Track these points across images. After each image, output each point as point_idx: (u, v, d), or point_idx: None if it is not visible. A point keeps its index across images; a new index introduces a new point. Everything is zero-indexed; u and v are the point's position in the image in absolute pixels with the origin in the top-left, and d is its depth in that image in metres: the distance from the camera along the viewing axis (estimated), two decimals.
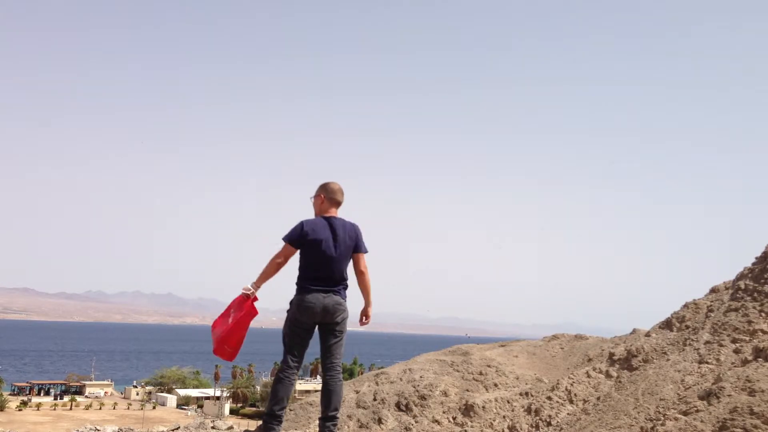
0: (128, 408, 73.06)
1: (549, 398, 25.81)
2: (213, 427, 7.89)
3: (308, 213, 5.66)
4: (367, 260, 5.54)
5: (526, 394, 27.48)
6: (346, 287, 5.50)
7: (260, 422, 5.47)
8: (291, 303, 5.47)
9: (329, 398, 5.35)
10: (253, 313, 5.49)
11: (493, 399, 27.65)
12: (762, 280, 21.40)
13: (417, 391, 30.07)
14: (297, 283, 5.45)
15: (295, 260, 5.46)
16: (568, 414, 24.18)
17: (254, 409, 72.65)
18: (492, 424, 26.13)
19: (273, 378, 5.69)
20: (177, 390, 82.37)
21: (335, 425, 5.35)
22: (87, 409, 71.40)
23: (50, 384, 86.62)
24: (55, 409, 69.84)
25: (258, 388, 77.55)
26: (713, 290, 26.71)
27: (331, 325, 5.39)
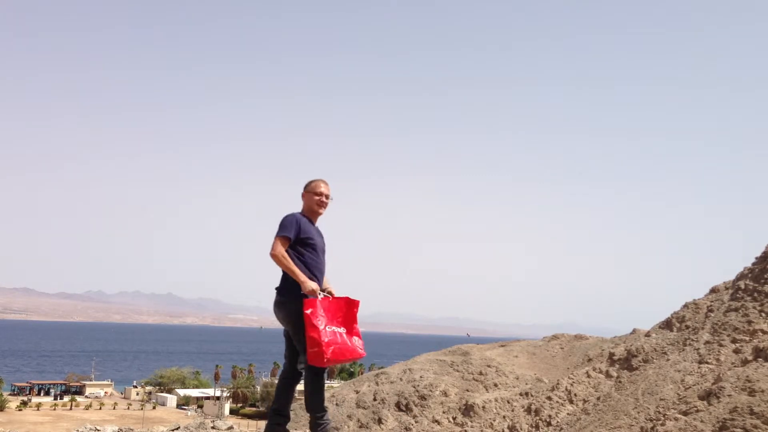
0: (128, 408, 73.06)
1: (549, 398, 25.81)
2: (213, 427, 7.89)
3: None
4: (271, 241, 5.22)
5: (526, 394, 27.47)
6: (281, 282, 5.32)
7: (258, 423, 5.55)
8: None
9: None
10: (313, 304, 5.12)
11: (493, 399, 27.65)
12: (762, 280, 21.38)
13: (417, 391, 30.08)
14: None
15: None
16: (568, 414, 24.18)
17: (254, 409, 72.63)
18: (492, 424, 26.13)
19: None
20: (177, 390, 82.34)
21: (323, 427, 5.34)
22: (87, 409, 71.41)
23: (50, 384, 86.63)
24: (55, 409, 69.85)
25: (258, 388, 77.51)
26: (713, 290, 26.69)
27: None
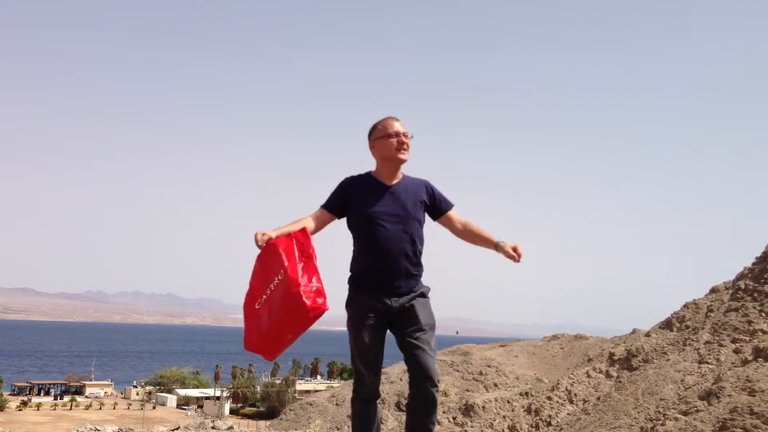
0: (128, 408, 73.06)
1: (549, 398, 25.82)
2: (213, 427, 7.90)
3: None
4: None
5: (526, 394, 27.49)
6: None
7: (258, 423, 5.44)
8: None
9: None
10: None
11: (493, 399, 27.67)
12: (762, 280, 21.38)
13: None
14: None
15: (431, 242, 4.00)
16: (568, 414, 24.19)
17: (254, 409, 72.71)
18: (492, 424, 26.14)
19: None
20: (177, 390, 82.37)
21: None
22: (87, 409, 71.42)
23: (50, 384, 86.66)
24: (55, 409, 69.88)
25: (258, 388, 77.60)
26: (713, 290, 26.70)
27: None
